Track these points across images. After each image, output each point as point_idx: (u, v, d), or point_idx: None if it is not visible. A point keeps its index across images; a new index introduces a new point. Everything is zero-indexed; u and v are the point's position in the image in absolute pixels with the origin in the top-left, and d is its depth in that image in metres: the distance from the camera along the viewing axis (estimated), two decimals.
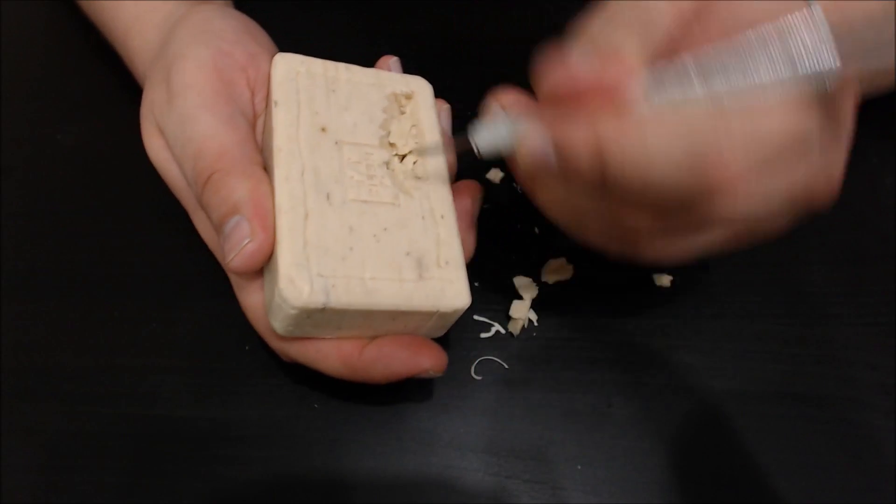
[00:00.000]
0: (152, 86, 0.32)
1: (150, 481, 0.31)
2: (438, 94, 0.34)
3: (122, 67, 0.40)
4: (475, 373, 0.34)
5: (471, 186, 0.32)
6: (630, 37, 0.24)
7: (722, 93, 0.22)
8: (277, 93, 0.30)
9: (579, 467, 0.31)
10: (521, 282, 0.36)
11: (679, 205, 0.23)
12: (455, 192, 0.31)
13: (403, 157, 0.31)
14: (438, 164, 0.31)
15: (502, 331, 0.35)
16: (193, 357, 0.34)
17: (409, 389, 0.33)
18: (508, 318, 0.35)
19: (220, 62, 0.31)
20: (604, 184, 0.23)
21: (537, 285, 0.36)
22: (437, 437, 0.32)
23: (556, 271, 0.36)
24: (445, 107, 0.34)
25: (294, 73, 0.31)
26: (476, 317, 0.35)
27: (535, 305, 0.35)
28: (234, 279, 0.31)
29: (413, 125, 0.32)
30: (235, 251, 0.27)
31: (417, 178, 0.30)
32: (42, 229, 0.39)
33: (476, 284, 0.36)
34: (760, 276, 0.37)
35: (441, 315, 0.28)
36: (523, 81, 0.45)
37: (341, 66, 0.32)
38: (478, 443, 0.32)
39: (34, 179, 0.41)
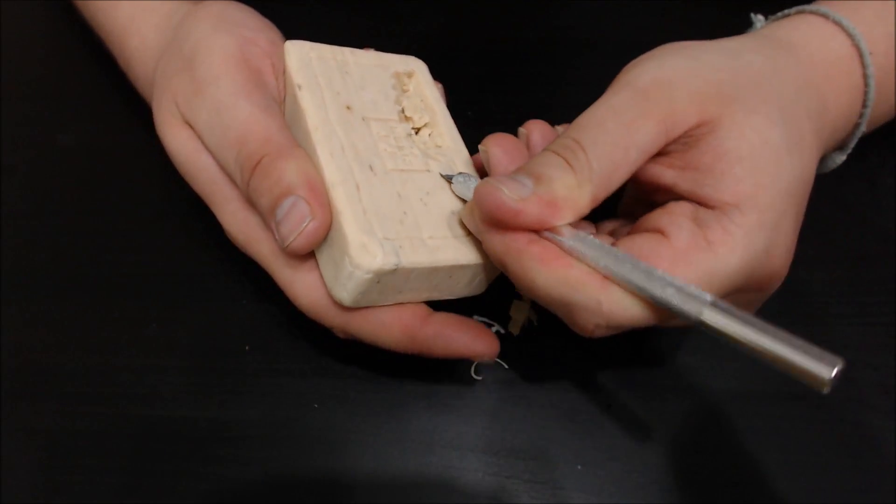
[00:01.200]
0: (170, 78, 0.32)
1: (150, 481, 0.31)
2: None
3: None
4: (475, 373, 0.34)
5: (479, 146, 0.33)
6: (573, 174, 0.26)
7: (612, 271, 0.25)
8: (298, 77, 0.30)
9: (579, 467, 0.31)
10: None
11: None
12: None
13: (418, 130, 0.32)
14: (453, 133, 0.33)
15: (502, 331, 0.35)
16: (193, 357, 0.34)
17: (409, 389, 0.33)
18: (508, 318, 0.35)
19: (246, 50, 0.31)
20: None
21: None
22: (437, 437, 0.32)
23: None
24: (439, 85, 0.35)
25: (307, 58, 0.31)
26: (476, 317, 0.35)
27: (535, 305, 0.35)
28: (280, 265, 0.30)
29: (420, 99, 0.33)
30: (296, 231, 0.27)
31: (438, 146, 0.32)
32: (42, 229, 0.39)
33: None
34: None
35: (490, 268, 0.30)
36: (522, 81, 0.45)
37: (346, 50, 0.33)
38: (478, 443, 0.32)
39: (34, 179, 0.41)
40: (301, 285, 0.30)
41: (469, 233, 0.30)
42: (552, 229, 0.26)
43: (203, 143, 0.31)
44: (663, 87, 0.27)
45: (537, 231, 0.26)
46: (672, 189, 0.28)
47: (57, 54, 0.47)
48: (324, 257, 0.29)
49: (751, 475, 0.31)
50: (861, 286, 0.36)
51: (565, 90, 0.45)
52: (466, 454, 0.32)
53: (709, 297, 0.24)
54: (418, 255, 0.28)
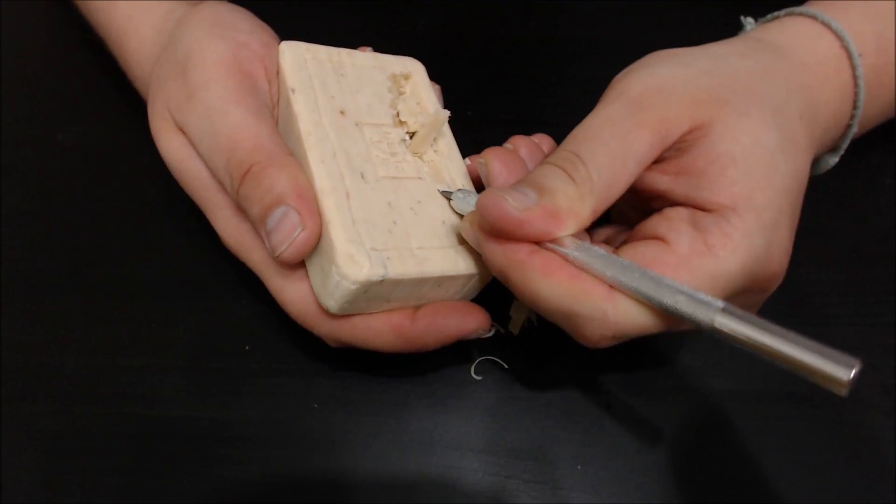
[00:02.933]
0: (164, 83, 0.32)
1: (150, 481, 0.31)
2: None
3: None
4: (475, 373, 0.34)
5: (478, 156, 0.33)
6: (574, 187, 0.26)
7: (620, 281, 0.25)
8: (292, 80, 0.30)
9: (579, 467, 0.31)
10: None
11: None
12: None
13: (413, 134, 0.32)
14: (448, 138, 0.33)
15: (502, 331, 0.35)
16: (193, 357, 0.34)
17: (409, 389, 0.33)
18: (508, 318, 0.35)
19: (239, 54, 0.31)
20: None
21: None
22: (437, 437, 0.32)
23: None
24: (436, 87, 0.35)
25: (302, 59, 0.31)
26: None
27: None
28: (271, 273, 0.30)
29: (417, 102, 0.33)
30: (287, 242, 0.27)
31: (435, 151, 0.32)
32: (42, 229, 0.39)
33: None
34: None
35: (481, 278, 0.30)
36: (522, 81, 0.45)
37: (343, 51, 0.33)
38: (478, 443, 0.32)
39: (34, 179, 0.41)
40: (291, 294, 0.30)
41: (460, 242, 0.30)
42: (554, 240, 0.26)
43: (195, 148, 0.31)
44: (655, 96, 0.27)
45: (538, 242, 0.26)
46: (667, 195, 0.28)
47: (57, 54, 0.47)
48: (313, 265, 0.29)
49: (751, 475, 0.31)
50: (861, 286, 0.36)
51: (565, 90, 0.45)
52: (466, 454, 0.32)
53: (720, 304, 0.24)
54: (406, 266, 0.28)
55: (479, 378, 0.34)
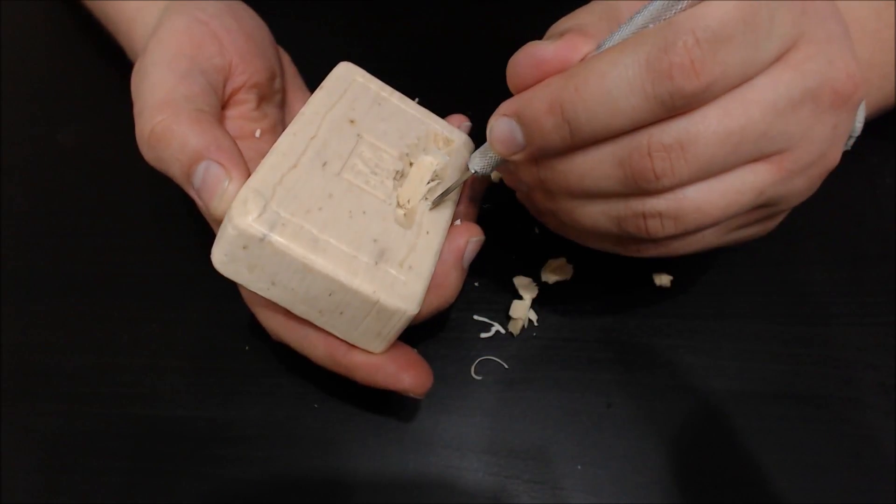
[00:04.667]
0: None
1: (150, 481, 0.31)
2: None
3: (123, 66, 0.40)
4: (475, 373, 0.34)
5: (471, 228, 0.30)
6: (593, 14, 0.24)
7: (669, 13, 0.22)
8: (327, 83, 0.31)
9: (579, 467, 0.31)
10: (521, 282, 0.36)
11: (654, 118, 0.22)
12: (454, 230, 0.30)
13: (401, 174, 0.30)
14: (445, 210, 0.30)
15: (502, 331, 0.35)
16: (193, 357, 0.34)
17: None
18: (508, 318, 0.35)
19: (193, 28, 0.30)
20: (572, 137, 0.23)
21: (537, 285, 0.36)
22: (437, 437, 0.32)
23: (556, 271, 0.36)
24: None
25: (350, 77, 0.31)
26: (476, 317, 0.35)
27: (535, 305, 0.35)
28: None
29: (438, 162, 0.31)
30: (218, 196, 0.26)
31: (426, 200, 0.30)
32: (42, 229, 0.39)
33: (476, 284, 0.36)
34: (760, 276, 0.37)
35: (380, 311, 0.26)
36: None
37: (397, 93, 0.32)
38: (478, 443, 0.32)
39: (34, 179, 0.41)
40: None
41: (377, 263, 0.26)
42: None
43: None
44: None
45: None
46: None
47: (57, 53, 0.47)
48: None
49: (751, 475, 0.31)
50: (861, 286, 0.36)
51: None
52: (466, 454, 0.32)
53: None
54: (295, 242, 0.25)
55: (479, 378, 0.34)
